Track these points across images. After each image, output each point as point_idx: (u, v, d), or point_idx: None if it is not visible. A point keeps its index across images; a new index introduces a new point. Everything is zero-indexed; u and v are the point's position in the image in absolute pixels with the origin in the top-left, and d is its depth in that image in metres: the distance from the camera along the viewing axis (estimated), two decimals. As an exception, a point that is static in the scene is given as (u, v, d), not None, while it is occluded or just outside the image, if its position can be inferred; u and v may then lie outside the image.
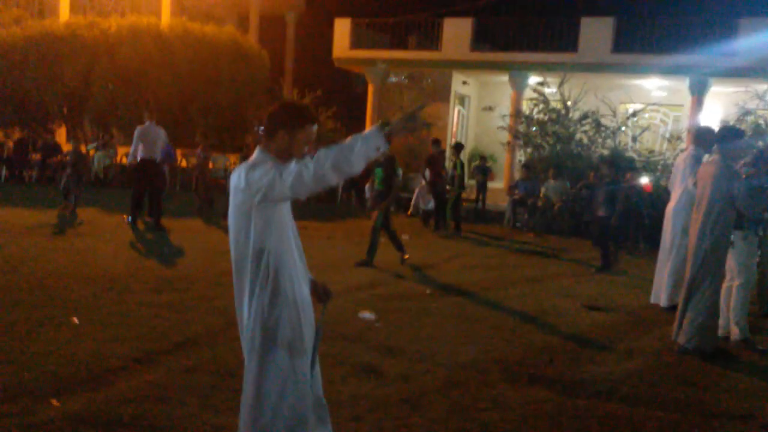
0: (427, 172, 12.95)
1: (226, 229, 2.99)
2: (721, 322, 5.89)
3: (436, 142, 13.26)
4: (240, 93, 16.47)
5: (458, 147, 13.01)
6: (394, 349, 5.26)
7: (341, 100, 20.41)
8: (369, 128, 2.60)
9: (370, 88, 21.20)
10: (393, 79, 21.27)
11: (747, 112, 14.05)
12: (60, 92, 15.30)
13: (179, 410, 3.87)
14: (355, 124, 22.02)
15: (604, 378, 4.93)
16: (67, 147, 16.18)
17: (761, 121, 13.76)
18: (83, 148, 15.87)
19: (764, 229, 6.17)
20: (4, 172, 15.26)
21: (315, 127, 2.84)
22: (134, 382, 4.25)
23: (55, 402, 3.87)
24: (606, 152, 14.14)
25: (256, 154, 2.83)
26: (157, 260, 8.26)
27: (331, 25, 21.43)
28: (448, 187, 12.73)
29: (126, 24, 15.39)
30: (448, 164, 14.29)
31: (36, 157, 15.35)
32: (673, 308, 6.42)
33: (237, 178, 2.73)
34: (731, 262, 5.92)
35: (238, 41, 16.87)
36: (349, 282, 7.47)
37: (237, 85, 16.22)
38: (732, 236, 5.66)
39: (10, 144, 16.06)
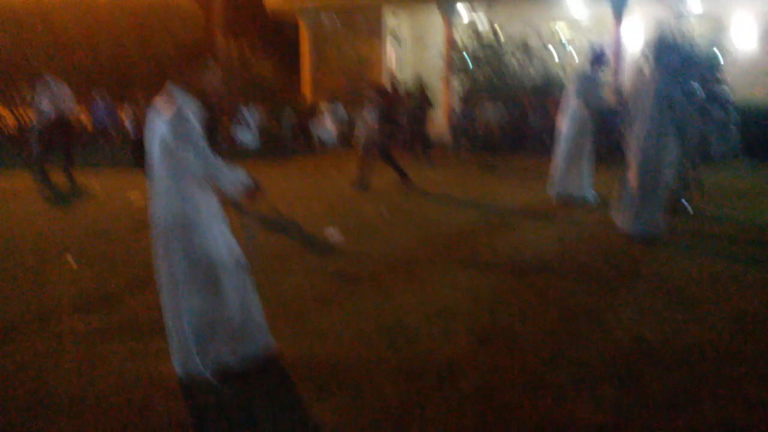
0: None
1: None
2: None
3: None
4: (174, 46, 16.55)
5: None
6: (360, 256, 6.06)
7: (278, 47, 20.58)
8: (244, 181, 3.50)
9: (304, 32, 21.41)
10: (324, 20, 21.47)
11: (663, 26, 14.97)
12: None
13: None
14: (292, 70, 22.32)
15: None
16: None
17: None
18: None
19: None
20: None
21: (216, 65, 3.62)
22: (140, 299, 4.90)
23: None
24: (536, 78, 14.92)
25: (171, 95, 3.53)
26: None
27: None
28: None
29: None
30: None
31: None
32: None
33: None
34: None
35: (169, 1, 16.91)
36: (318, 208, 8.21)
37: (172, 39, 16.30)
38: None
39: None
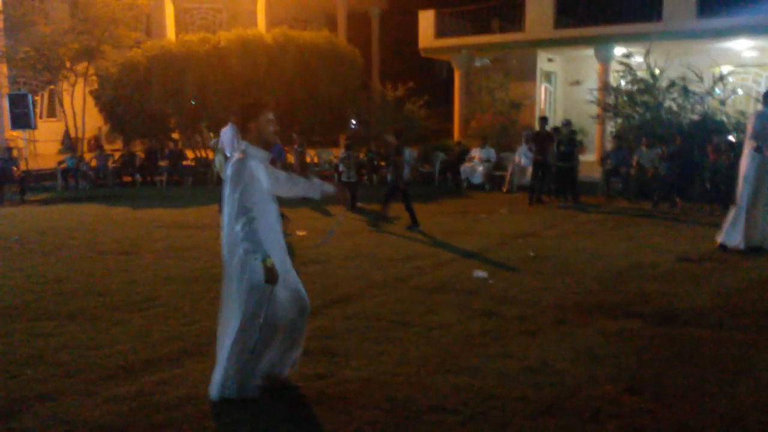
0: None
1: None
2: None
3: (544, 120, 14.02)
4: (337, 91, 17.69)
5: (566, 124, 13.83)
6: (508, 298, 6.23)
7: (429, 89, 21.33)
8: (260, 257, 3.63)
9: (456, 74, 22.05)
10: (478, 63, 22.02)
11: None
12: (180, 105, 17.01)
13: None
14: (444, 109, 22.99)
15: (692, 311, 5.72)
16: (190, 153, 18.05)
17: None
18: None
19: None
20: (138, 177, 17.19)
21: (269, 113, 3.85)
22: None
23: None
24: (696, 117, 14.43)
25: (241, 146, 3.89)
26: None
27: (413, 17, 22.43)
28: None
29: (233, 37, 16.92)
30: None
31: (163, 163, 17.16)
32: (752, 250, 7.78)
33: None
34: None
35: (333, 43, 18.10)
36: (463, 248, 8.50)
37: (334, 84, 17.43)
38: None
39: (141, 153, 18.00)
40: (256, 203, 3.69)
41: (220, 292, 4.02)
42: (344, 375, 4.39)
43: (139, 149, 18.70)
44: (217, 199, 13.72)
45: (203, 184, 16.65)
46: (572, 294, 6.41)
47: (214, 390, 3.95)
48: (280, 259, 3.83)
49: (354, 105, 19.19)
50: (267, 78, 16.51)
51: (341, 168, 13.29)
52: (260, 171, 3.79)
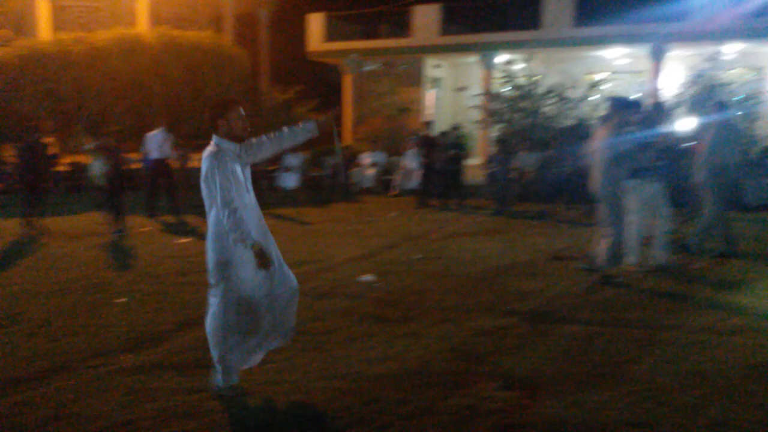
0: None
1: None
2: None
3: (429, 125, 14.32)
4: (224, 93, 17.31)
5: (453, 128, 14.18)
6: (393, 301, 6.29)
7: (319, 92, 21.30)
8: (249, 244, 3.79)
9: (346, 78, 22.13)
10: (367, 68, 22.21)
11: (699, 74, 15.17)
12: (53, 107, 16.08)
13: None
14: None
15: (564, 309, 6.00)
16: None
17: (713, 82, 14.88)
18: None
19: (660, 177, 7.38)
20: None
21: (239, 109, 3.97)
22: (186, 338, 5.23)
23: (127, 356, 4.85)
24: (572, 122, 15.20)
25: (212, 141, 3.97)
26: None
27: (302, 20, 22.30)
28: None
29: (113, 36, 16.20)
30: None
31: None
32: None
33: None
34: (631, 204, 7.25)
35: (218, 44, 17.71)
36: (351, 252, 8.51)
37: (221, 85, 17.06)
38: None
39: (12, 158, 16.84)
40: (234, 196, 3.79)
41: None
42: (224, 386, 4.27)
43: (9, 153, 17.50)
44: (94, 206, 13.21)
45: (77, 191, 15.79)
46: (454, 294, 6.55)
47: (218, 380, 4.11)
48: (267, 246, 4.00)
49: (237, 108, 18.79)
50: (150, 79, 15.91)
51: None
52: (235, 163, 3.88)
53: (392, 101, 20.34)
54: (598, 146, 6.96)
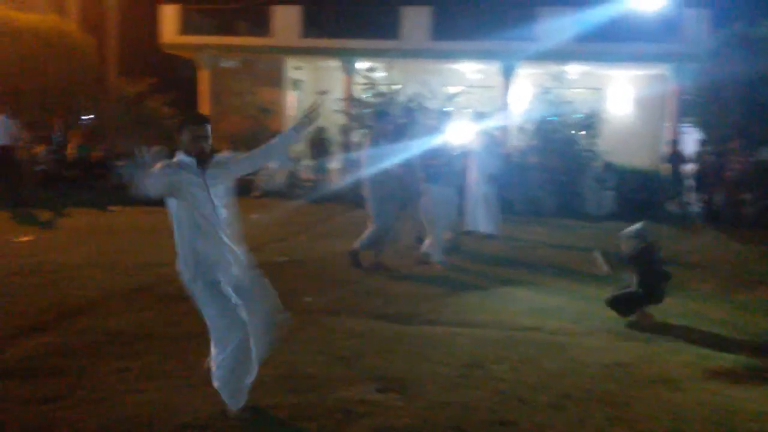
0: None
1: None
2: None
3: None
4: (69, 83, 16.13)
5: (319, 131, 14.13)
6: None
7: (174, 87, 20.38)
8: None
9: (203, 74, 21.32)
10: (224, 64, 21.52)
11: (546, 91, 16.20)
12: None
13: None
14: (191, 109, 22.07)
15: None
16: None
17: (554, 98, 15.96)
18: None
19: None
20: None
21: (201, 127, 3.86)
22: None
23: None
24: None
25: None
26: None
27: (155, 9, 21.21)
28: None
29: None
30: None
31: None
32: None
33: None
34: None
35: (62, 30, 16.44)
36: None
37: (65, 73, 15.85)
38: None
39: None
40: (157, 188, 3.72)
41: None
42: (78, 396, 3.93)
43: None
44: None
45: None
46: (320, 295, 6.50)
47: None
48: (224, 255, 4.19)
49: (88, 100, 17.59)
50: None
51: None
52: (191, 176, 3.79)
53: (253, 101, 19.87)
54: (363, 153, 7.76)
